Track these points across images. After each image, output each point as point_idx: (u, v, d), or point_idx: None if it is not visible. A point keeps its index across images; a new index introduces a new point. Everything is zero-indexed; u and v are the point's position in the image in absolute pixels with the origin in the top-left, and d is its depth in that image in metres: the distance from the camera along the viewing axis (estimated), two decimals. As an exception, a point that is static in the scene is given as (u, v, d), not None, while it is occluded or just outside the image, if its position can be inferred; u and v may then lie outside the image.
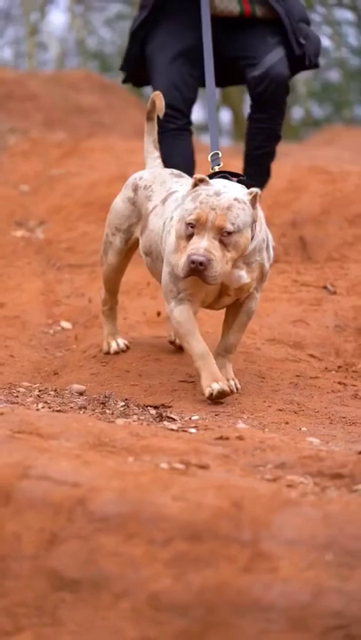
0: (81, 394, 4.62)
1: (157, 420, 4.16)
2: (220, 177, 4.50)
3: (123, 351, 5.15)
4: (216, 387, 4.41)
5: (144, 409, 4.37)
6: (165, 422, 4.09)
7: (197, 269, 4.14)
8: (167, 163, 5.91)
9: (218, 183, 4.34)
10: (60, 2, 27.81)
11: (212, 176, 4.52)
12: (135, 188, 4.98)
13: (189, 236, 4.24)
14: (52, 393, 4.63)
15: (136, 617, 2.62)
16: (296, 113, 24.98)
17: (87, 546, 2.79)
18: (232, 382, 4.60)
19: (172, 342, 5.20)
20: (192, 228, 4.21)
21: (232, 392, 4.53)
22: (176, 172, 5.06)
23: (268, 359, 4.96)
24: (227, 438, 3.76)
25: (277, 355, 4.61)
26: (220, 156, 4.79)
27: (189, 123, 6.15)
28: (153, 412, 4.32)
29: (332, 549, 2.75)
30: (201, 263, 4.12)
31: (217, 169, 4.69)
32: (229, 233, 4.21)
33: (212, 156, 4.81)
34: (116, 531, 2.81)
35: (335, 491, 3.17)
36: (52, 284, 6.39)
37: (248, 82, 6.00)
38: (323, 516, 2.84)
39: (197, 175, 4.35)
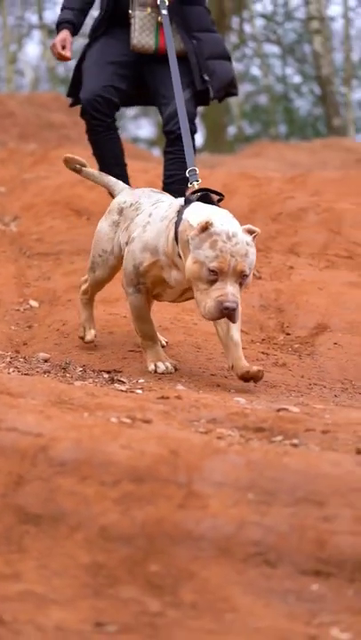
0: (46, 360, 4.60)
1: (109, 382, 4.15)
2: (203, 194, 4.29)
3: (91, 342, 4.92)
4: (160, 365, 4.43)
5: (98, 373, 4.36)
6: (116, 384, 4.08)
7: (228, 314, 4.00)
8: (100, 160, 6.11)
9: (219, 220, 4.04)
10: (35, 35, 27.75)
11: (194, 192, 4.33)
12: (120, 211, 4.74)
13: (212, 281, 4.00)
14: (21, 360, 4.61)
15: (88, 546, 2.60)
16: (230, 130, 25.01)
17: (48, 486, 2.77)
18: (256, 368, 4.31)
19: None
20: (215, 274, 3.98)
21: (262, 376, 4.33)
22: (152, 188, 4.90)
23: (203, 332, 4.94)
24: (167, 398, 3.75)
25: (211, 329, 4.59)
26: (198, 172, 4.57)
27: (114, 121, 6.05)
28: (106, 375, 4.31)
29: (253, 490, 2.75)
30: (233, 309, 3.98)
31: (196, 185, 4.49)
32: (246, 276, 4.04)
33: (189, 171, 4.59)
34: (73, 474, 2.79)
35: (257, 442, 3.17)
36: (23, 269, 6.36)
37: (162, 119, 5.92)
38: (246, 462, 2.84)
39: (206, 219, 3.99)
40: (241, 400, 3.87)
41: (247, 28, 25.82)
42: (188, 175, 4.55)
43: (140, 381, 4.23)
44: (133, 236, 4.40)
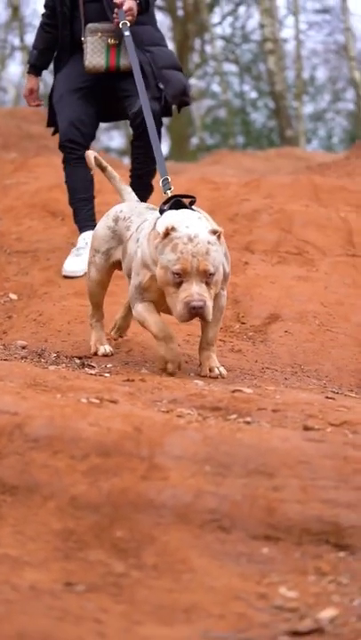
0: (23, 347, 4.58)
1: (80, 367, 4.13)
2: (174, 201, 4.06)
3: (108, 355, 4.55)
4: (170, 368, 4.05)
5: (71, 359, 4.34)
6: (86, 369, 4.06)
7: (198, 313, 3.78)
8: (70, 186, 5.99)
9: (182, 223, 3.85)
10: (17, 56, 27.65)
11: (167, 201, 4.08)
12: (116, 219, 4.45)
13: (178, 284, 3.81)
14: (0, 347, 4.58)
15: (60, 514, 2.59)
16: (193, 141, 24.99)
17: (23, 460, 2.75)
18: (216, 370, 4.17)
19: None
20: (179, 277, 3.79)
21: (218, 378, 4.14)
22: (150, 205, 4.57)
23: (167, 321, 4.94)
24: (132, 380, 3.74)
25: (172, 319, 4.58)
26: (170, 180, 4.37)
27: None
28: (78, 361, 4.28)
29: (209, 463, 2.75)
30: (200, 307, 3.77)
31: (170, 193, 4.25)
32: (212, 274, 3.81)
33: (162, 181, 4.37)
34: (46, 448, 2.78)
35: (214, 419, 3.16)
36: (3, 265, 6.32)
37: (129, 117, 5.81)
38: (203, 438, 2.84)
39: (168, 224, 3.83)
40: (199, 383, 3.86)
41: (208, 49, 25.80)
42: (161, 185, 4.36)
43: (108, 366, 4.22)
44: (133, 256, 4.17)
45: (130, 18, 5.52)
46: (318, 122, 27.17)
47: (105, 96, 5.92)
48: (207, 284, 3.81)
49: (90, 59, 5.74)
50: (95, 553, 2.45)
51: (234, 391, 3.63)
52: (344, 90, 27.14)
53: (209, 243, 3.82)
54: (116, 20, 5.50)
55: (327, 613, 2.23)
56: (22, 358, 4.23)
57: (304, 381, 4.40)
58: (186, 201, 4.10)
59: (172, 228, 3.81)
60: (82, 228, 6.01)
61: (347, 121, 27.48)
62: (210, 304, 3.82)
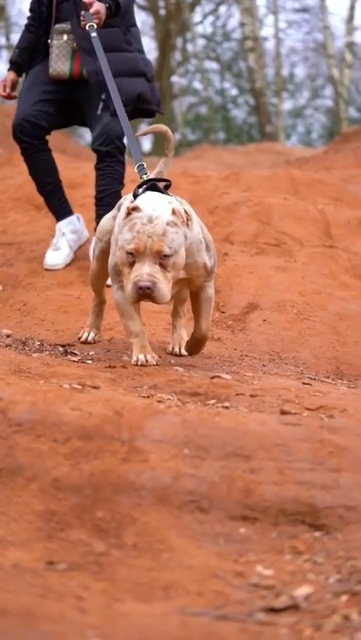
0: (8, 336, 4.56)
1: (63, 354, 4.13)
2: (149, 185, 3.87)
3: (89, 343, 4.48)
4: (140, 357, 3.87)
5: (54, 347, 4.34)
6: (69, 356, 4.06)
7: (145, 293, 3.57)
8: (35, 179, 5.87)
9: (148, 205, 3.67)
10: (3, 55, 27.62)
11: (141, 185, 3.89)
12: (119, 206, 4.21)
13: (131, 264, 3.63)
14: (-15, 336, 4.58)
15: (42, 495, 2.59)
16: (175, 137, 24.95)
17: (7, 443, 2.75)
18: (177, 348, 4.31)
19: (170, 353, 4.43)
20: (132, 257, 3.60)
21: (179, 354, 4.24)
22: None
23: (146, 311, 4.93)
24: (114, 367, 3.74)
25: (154, 308, 4.58)
26: (145, 166, 4.12)
27: (44, 143, 5.75)
28: (61, 349, 4.28)
29: (188, 445, 2.75)
30: (148, 287, 3.55)
31: (145, 177, 4.01)
32: (167, 256, 3.59)
33: (137, 167, 4.12)
34: (28, 432, 2.78)
35: (193, 404, 3.16)
36: (-11, 256, 6.31)
37: (92, 138, 5.64)
38: (182, 422, 2.84)
39: (130, 204, 3.68)
40: (180, 369, 3.87)
41: (190, 47, 25.79)
42: (136, 170, 4.13)
43: (90, 354, 4.22)
44: (113, 237, 4.01)
45: (97, 21, 5.26)
46: (297, 118, 27.21)
47: (68, 101, 5.73)
48: (162, 265, 3.61)
49: (54, 65, 5.60)
50: (76, 533, 2.45)
51: (213, 377, 3.65)
52: (323, 87, 27.19)
53: (168, 224, 3.61)
54: (83, 23, 5.30)
55: (303, 591, 2.23)
56: (7, 346, 4.22)
57: (282, 368, 4.41)
58: (161, 185, 3.94)
59: (135, 208, 3.65)
60: (57, 218, 6.00)
61: (325, 117, 27.52)
62: (162, 286, 3.59)
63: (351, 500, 2.67)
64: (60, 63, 5.58)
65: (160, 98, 5.80)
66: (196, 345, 4.18)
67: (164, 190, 3.89)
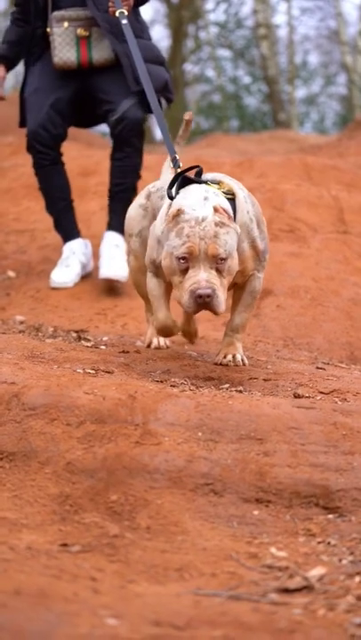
0: (21, 322, 4.59)
1: (77, 340, 4.14)
2: (181, 180, 3.45)
3: (159, 348, 3.98)
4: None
5: (68, 333, 4.35)
6: (82, 342, 4.06)
7: (205, 302, 3.17)
8: (47, 193, 5.43)
9: (188, 206, 3.27)
10: None
11: (172, 183, 3.47)
12: (148, 195, 3.92)
13: (183, 271, 3.22)
14: (0, 322, 4.59)
15: (56, 478, 2.61)
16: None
17: (20, 427, 2.77)
18: (230, 357, 3.60)
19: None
20: (185, 262, 3.21)
21: (238, 365, 3.60)
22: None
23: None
24: (127, 352, 3.75)
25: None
26: (179, 158, 3.73)
27: (60, 154, 5.36)
28: (74, 334, 4.29)
29: (201, 429, 2.76)
30: (208, 295, 3.15)
31: (179, 170, 3.60)
32: (223, 259, 3.21)
33: (172, 160, 3.75)
34: (42, 416, 2.79)
35: (206, 389, 3.17)
36: (2, 244, 6.31)
37: (109, 124, 5.25)
38: (195, 405, 2.85)
39: (174, 207, 3.30)
40: (193, 353, 3.87)
41: (202, 35, 25.71)
42: (171, 165, 3.78)
43: (103, 339, 4.22)
44: (152, 228, 3.66)
45: (127, 7, 4.86)
46: (311, 106, 27.12)
47: (80, 96, 5.36)
48: (218, 270, 3.22)
49: (59, 54, 5.20)
50: (90, 516, 2.46)
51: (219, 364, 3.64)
52: (336, 74, 27.07)
53: (217, 225, 3.23)
54: (111, 9, 4.85)
55: (316, 572, 2.24)
56: (20, 332, 4.23)
57: (296, 354, 4.41)
58: (191, 173, 3.51)
59: (181, 211, 3.27)
60: (66, 238, 5.54)
61: (339, 104, 27.43)
62: (221, 294, 3.20)
63: (365, 482, 2.67)
64: (65, 51, 5.19)
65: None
66: (227, 345, 3.67)
67: (199, 179, 3.47)
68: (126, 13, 4.81)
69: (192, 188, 3.38)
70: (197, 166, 3.53)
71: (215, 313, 3.22)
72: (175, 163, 3.72)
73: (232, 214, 3.35)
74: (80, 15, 5.19)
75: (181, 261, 3.21)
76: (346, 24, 24.64)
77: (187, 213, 3.24)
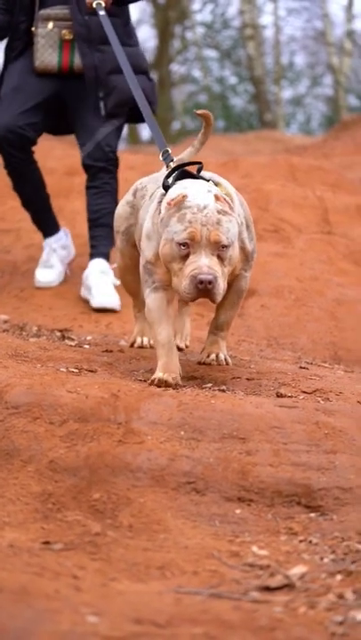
0: (5, 321, 4.58)
1: (61, 339, 4.14)
2: (179, 173, 3.32)
3: (145, 347, 3.92)
4: (160, 375, 3.20)
5: (52, 332, 4.35)
6: (66, 341, 4.07)
7: (206, 289, 3.03)
8: (21, 194, 5.31)
9: (190, 193, 3.15)
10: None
11: (170, 173, 3.33)
12: (135, 192, 3.78)
13: (184, 257, 3.10)
14: (-17, 321, 4.60)
15: (38, 477, 2.61)
16: (175, 125, 24.95)
17: (3, 426, 2.77)
18: (213, 356, 3.53)
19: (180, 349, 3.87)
20: (186, 248, 3.09)
21: (221, 364, 3.53)
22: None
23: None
24: (111, 351, 3.75)
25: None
26: (171, 151, 3.58)
27: (31, 155, 5.11)
28: (58, 334, 4.29)
29: (184, 428, 2.77)
30: (210, 281, 3.02)
31: (172, 165, 3.44)
32: (225, 247, 3.10)
33: (163, 153, 3.59)
34: (25, 414, 2.79)
35: (189, 388, 3.18)
36: (-14, 243, 6.32)
37: (81, 152, 5.07)
38: (178, 404, 2.86)
39: (178, 195, 3.14)
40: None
41: (189, 35, 25.73)
42: (161, 158, 3.59)
43: (87, 338, 4.23)
44: (142, 231, 3.47)
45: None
46: (297, 106, 27.16)
47: (57, 103, 5.13)
48: (219, 257, 3.12)
49: (40, 57, 4.97)
50: (73, 514, 2.47)
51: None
52: (322, 75, 27.11)
53: (220, 212, 3.12)
54: (88, 1, 4.67)
55: (297, 570, 2.25)
56: (4, 331, 4.23)
57: (279, 353, 4.42)
58: (192, 168, 3.40)
59: (185, 196, 3.13)
60: (45, 234, 5.47)
61: (325, 106, 27.49)
62: (221, 282, 3.09)
63: (347, 481, 2.69)
64: (46, 54, 4.95)
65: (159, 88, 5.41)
66: (211, 344, 3.59)
67: (197, 174, 3.35)
68: (103, 4, 4.64)
69: (192, 181, 3.27)
70: (198, 162, 3.43)
71: (213, 301, 3.12)
72: (166, 156, 3.59)
73: (232, 204, 3.24)
74: (66, 15, 4.96)
75: (182, 247, 3.09)
76: (332, 25, 24.71)
77: (189, 200, 3.12)
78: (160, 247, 3.20)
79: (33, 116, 5.00)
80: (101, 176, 5.02)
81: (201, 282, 3.02)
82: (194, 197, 3.12)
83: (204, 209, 3.09)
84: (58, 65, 4.96)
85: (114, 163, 5.04)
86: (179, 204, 3.12)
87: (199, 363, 3.54)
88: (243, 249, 3.42)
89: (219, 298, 3.09)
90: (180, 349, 3.80)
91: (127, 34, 5.01)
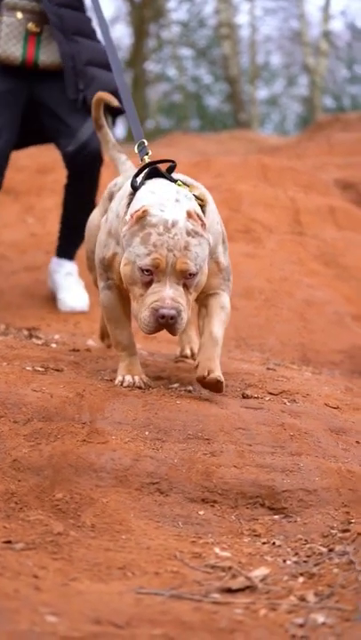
0: (-27, 320, 4.57)
1: (28, 338, 4.13)
2: (149, 171, 3.02)
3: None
4: (128, 379, 3.08)
5: (19, 330, 4.34)
6: (33, 339, 4.06)
7: (167, 324, 2.78)
8: None
9: (157, 205, 2.83)
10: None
11: (139, 171, 3.04)
12: (111, 195, 3.47)
13: (147, 284, 2.82)
14: None
15: (2, 476, 2.60)
16: (149, 124, 24.92)
17: (-33, 424, 2.77)
18: (222, 379, 3.01)
19: (182, 358, 3.73)
20: (149, 274, 2.80)
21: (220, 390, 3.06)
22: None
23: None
24: (78, 350, 3.75)
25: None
26: (147, 144, 3.28)
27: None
28: (26, 332, 4.28)
29: (148, 428, 2.77)
30: (172, 317, 2.77)
31: (147, 159, 3.18)
32: (192, 274, 2.82)
33: (138, 145, 3.28)
34: (-11, 413, 2.79)
35: (155, 388, 3.17)
36: None
37: (63, 154, 4.84)
38: (143, 404, 2.86)
39: (140, 210, 2.83)
40: (143, 352, 3.88)
41: (165, 34, 25.73)
42: (136, 150, 3.28)
43: (55, 337, 4.22)
44: (103, 220, 3.26)
45: None
46: (272, 106, 27.23)
47: (26, 110, 4.87)
48: (185, 286, 2.84)
49: (3, 45, 4.69)
50: (35, 513, 2.47)
51: (177, 361, 3.66)
52: (298, 75, 27.17)
53: (189, 234, 2.82)
54: None
55: (260, 572, 2.26)
56: (-29, 330, 4.23)
57: (247, 354, 4.43)
58: (164, 167, 3.12)
59: (146, 212, 2.83)
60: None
61: (300, 106, 27.55)
62: (185, 315, 2.82)
63: (311, 483, 2.70)
64: (10, 45, 4.67)
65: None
66: (207, 359, 3.09)
67: (168, 175, 3.06)
68: None
69: (161, 183, 2.96)
70: (171, 161, 3.15)
71: (173, 334, 2.86)
72: (142, 148, 3.28)
73: (206, 221, 2.92)
74: (34, 7, 4.72)
75: (145, 273, 2.81)
76: (308, 25, 24.77)
77: (154, 215, 2.82)
78: (121, 265, 2.93)
79: (11, 134, 4.79)
80: (84, 177, 4.84)
81: (163, 316, 2.78)
82: (159, 210, 2.83)
83: (173, 227, 2.80)
84: (22, 57, 4.69)
85: (98, 163, 4.84)
86: (140, 220, 2.83)
87: (197, 380, 3.08)
88: (217, 263, 3.17)
89: (179, 331, 2.84)
90: (188, 357, 3.70)
91: (93, 31, 4.88)
